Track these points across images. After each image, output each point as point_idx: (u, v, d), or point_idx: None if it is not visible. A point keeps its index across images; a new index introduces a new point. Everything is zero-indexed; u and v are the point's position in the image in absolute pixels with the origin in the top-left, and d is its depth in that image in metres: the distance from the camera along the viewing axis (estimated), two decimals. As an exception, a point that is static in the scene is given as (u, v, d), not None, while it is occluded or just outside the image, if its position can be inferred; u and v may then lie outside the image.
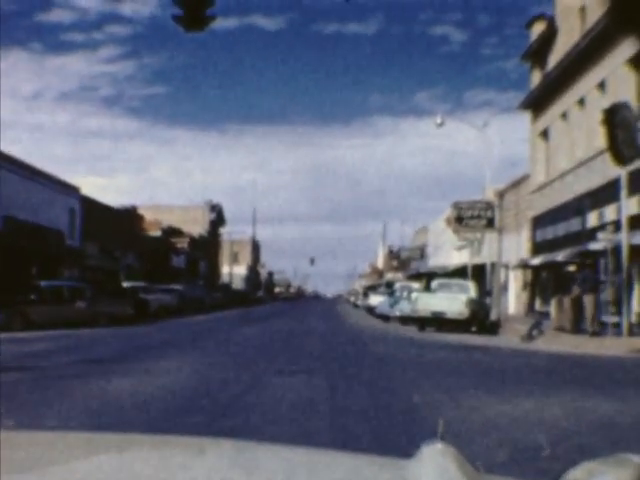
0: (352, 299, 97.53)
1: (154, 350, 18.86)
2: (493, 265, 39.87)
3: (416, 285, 50.28)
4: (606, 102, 25.58)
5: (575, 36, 32.45)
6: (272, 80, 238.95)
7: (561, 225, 34.04)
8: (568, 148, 34.17)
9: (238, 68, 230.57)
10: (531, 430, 8.09)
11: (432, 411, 9.21)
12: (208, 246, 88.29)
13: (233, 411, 9.14)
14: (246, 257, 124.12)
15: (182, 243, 73.88)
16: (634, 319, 24.45)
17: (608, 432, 8.15)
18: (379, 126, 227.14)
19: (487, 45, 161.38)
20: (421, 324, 30.15)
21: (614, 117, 21.13)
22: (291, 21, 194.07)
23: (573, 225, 32.19)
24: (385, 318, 41.32)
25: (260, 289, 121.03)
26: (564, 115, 35.01)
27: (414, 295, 32.65)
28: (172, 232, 72.04)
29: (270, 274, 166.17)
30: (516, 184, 44.03)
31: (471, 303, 29.22)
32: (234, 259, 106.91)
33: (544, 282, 37.85)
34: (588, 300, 24.04)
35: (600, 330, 23.70)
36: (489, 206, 38.47)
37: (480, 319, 30.06)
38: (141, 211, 63.56)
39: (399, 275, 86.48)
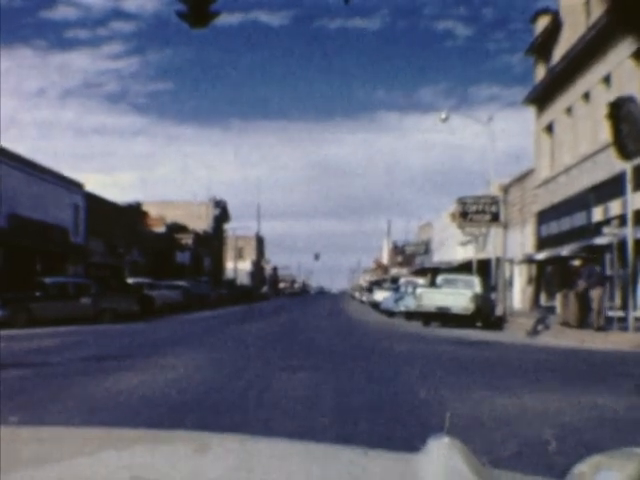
0: (357, 294, 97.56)
1: (159, 346, 18.86)
2: (498, 260, 39.82)
3: (421, 280, 50.42)
4: (611, 96, 25.53)
5: (580, 30, 32.37)
6: (275, 76, 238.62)
7: (566, 220, 33.98)
8: (573, 142, 34.10)
9: (241, 64, 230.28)
10: (536, 425, 8.08)
11: (437, 406, 9.20)
12: (213, 242, 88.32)
13: (240, 408, 9.14)
14: (250, 253, 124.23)
15: (187, 239, 73.92)
16: (640, 314, 24.42)
17: (613, 427, 8.14)
18: (384, 121, 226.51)
19: (492, 40, 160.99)
20: (426, 319, 30.18)
21: (619, 111, 21.10)
22: (295, 17, 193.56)
23: (578, 220, 32.14)
24: (390, 313, 41.32)
25: (265, 285, 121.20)
26: (569, 109, 34.94)
27: (419, 290, 32.62)
28: (177, 228, 72.10)
29: (274, 270, 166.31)
30: (521, 179, 43.97)
31: (476, 298, 29.21)
32: (239, 255, 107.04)
33: (549, 277, 37.81)
34: (595, 294, 23.98)
35: (605, 325, 23.66)
36: (494, 201, 38.40)
37: (485, 314, 30.06)
38: (145, 207, 63.58)
39: (404, 270, 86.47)
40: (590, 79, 31.80)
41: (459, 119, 46.50)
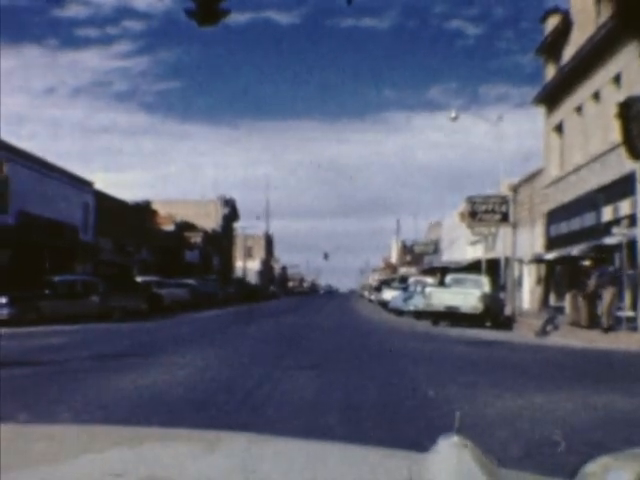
0: (365, 294, 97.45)
1: (168, 345, 18.88)
2: (507, 260, 39.72)
3: (430, 280, 50.26)
4: (621, 96, 25.45)
5: (590, 29, 32.27)
6: (285, 75, 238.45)
7: (575, 220, 33.88)
8: (582, 142, 33.99)
9: (250, 63, 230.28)
10: (544, 425, 8.06)
11: (446, 405, 9.19)
12: (222, 241, 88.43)
13: (247, 406, 9.14)
14: (260, 252, 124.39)
15: (196, 238, 74.02)
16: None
17: (620, 427, 8.12)
18: (393, 121, 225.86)
19: (502, 39, 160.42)
20: (435, 319, 30.17)
21: (629, 111, 21.02)
22: (305, 16, 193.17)
23: (588, 219, 32.03)
24: (398, 312, 41.28)
25: (273, 283, 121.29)
26: (579, 109, 34.83)
27: (428, 290, 32.65)
28: (185, 227, 72.20)
29: (283, 268, 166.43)
30: (530, 178, 43.85)
31: (485, 298, 29.18)
32: (248, 254, 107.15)
33: (558, 277, 37.71)
34: (608, 294, 23.90)
35: (615, 325, 23.59)
36: (503, 200, 38.35)
37: (494, 314, 30.02)
38: (155, 206, 63.60)
39: (412, 270, 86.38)
40: (600, 79, 31.69)
41: (469, 118, 46.48)
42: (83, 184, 46.26)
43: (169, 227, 67.38)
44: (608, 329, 23.12)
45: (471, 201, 38.36)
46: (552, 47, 38.70)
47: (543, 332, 24.18)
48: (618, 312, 24.64)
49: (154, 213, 62.97)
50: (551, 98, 38.91)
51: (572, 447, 6.84)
